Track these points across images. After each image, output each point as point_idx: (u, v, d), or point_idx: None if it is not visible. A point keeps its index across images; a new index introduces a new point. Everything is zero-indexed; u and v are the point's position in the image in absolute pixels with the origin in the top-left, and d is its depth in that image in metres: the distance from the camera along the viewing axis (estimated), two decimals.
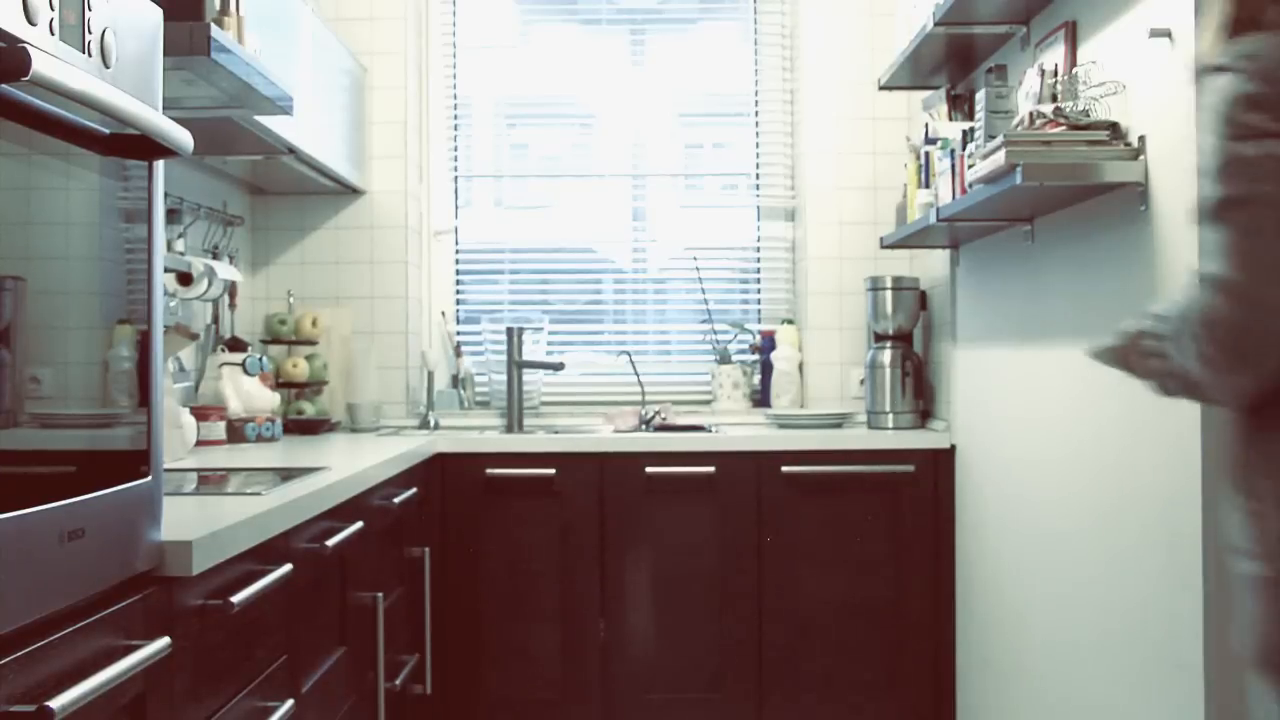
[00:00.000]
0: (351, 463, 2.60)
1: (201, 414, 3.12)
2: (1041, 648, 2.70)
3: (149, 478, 1.49)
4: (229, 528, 1.65)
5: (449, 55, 4.16)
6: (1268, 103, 1.30)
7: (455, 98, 4.17)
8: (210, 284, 3.14)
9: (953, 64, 3.18)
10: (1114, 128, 2.17)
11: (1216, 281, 1.30)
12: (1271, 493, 1.33)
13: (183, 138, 1.46)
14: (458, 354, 4.06)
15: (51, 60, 1.14)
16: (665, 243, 4.21)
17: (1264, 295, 1.26)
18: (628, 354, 3.99)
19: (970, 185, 2.52)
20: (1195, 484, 1.94)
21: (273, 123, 2.88)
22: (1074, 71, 2.33)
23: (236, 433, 3.26)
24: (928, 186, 3.18)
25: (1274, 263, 1.27)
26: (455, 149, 4.18)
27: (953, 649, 3.45)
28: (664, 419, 3.80)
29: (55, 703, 1.15)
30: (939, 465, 3.46)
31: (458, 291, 4.19)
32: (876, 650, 3.47)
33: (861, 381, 3.84)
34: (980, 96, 2.68)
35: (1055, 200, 2.44)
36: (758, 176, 4.18)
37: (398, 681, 2.81)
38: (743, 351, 4.08)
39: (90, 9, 1.32)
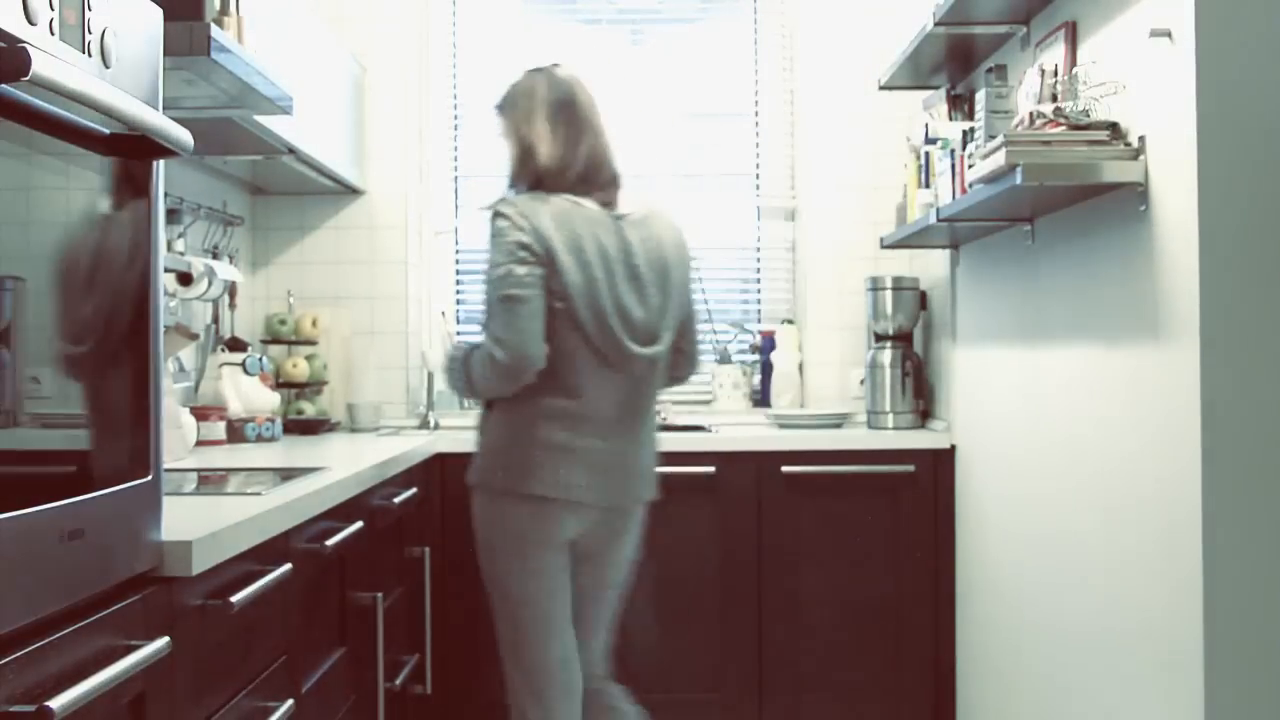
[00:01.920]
0: (351, 463, 2.60)
1: (201, 414, 3.12)
2: (1041, 647, 2.70)
3: (149, 478, 1.49)
4: (229, 528, 1.65)
5: (449, 55, 4.16)
6: (526, 245, 2.44)
7: (455, 98, 4.17)
8: (210, 284, 3.14)
9: (953, 64, 3.18)
10: (1114, 128, 2.17)
11: (497, 340, 2.43)
12: (485, 434, 2.58)
13: (183, 138, 1.46)
14: None
15: (51, 60, 1.14)
16: None
17: (521, 349, 2.42)
18: None
19: (970, 185, 2.52)
20: (1195, 483, 1.94)
21: (273, 123, 2.88)
22: (1074, 71, 2.33)
23: (236, 433, 3.26)
24: (928, 186, 3.18)
25: (526, 334, 2.42)
26: (455, 149, 4.17)
27: (953, 649, 3.45)
28: (664, 419, 3.80)
29: (55, 703, 1.15)
30: (939, 465, 3.46)
31: (458, 291, 4.19)
32: (876, 650, 3.47)
33: (861, 381, 3.84)
34: (980, 96, 2.68)
35: (1055, 200, 2.44)
36: (758, 176, 4.18)
37: (398, 681, 2.81)
38: (743, 351, 4.08)
39: (90, 9, 1.32)
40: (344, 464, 2.57)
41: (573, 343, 2.48)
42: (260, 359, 3.39)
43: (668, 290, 2.57)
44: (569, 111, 2.58)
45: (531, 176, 2.56)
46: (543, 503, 2.50)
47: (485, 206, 2.58)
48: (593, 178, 2.55)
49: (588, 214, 2.51)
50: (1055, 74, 2.47)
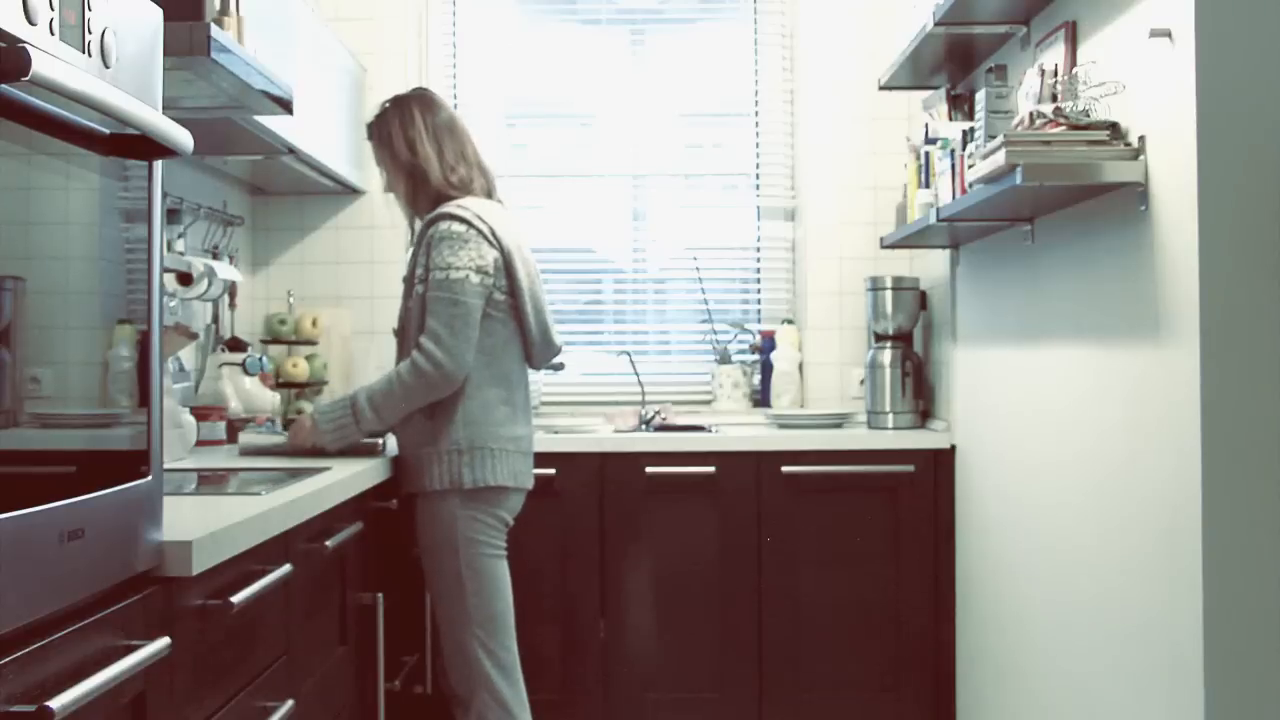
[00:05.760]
0: (351, 463, 2.60)
1: (201, 414, 3.12)
2: (1041, 647, 2.70)
3: (149, 478, 1.49)
4: (229, 528, 1.65)
5: (449, 55, 4.16)
6: (472, 249, 2.54)
7: (455, 98, 4.17)
8: (210, 284, 3.14)
9: (953, 64, 3.18)
10: (1114, 128, 2.17)
11: (440, 347, 2.55)
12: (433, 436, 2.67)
13: (183, 138, 1.46)
14: None
15: (51, 60, 1.14)
16: (665, 243, 4.21)
17: (460, 360, 2.56)
18: (628, 354, 3.98)
19: (970, 185, 2.52)
20: (1195, 483, 1.94)
21: (273, 123, 2.88)
22: (1074, 71, 2.33)
23: (236, 433, 3.26)
24: (928, 186, 3.18)
25: (464, 343, 2.56)
26: None
27: (953, 649, 3.45)
28: (664, 419, 3.80)
29: (55, 703, 1.15)
30: (939, 465, 3.46)
31: None
32: (876, 650, 3.47)
33: (861, 381, 3.84)
34: (980, 96, 2.68)
35: (1055, 200, 2.44)
36: (758, 176, 4.18)
37: (398, 682, 2.81)
38: (743, 351, 4.08)
39: (90, 9, 1.32)
40: (344, 464, 2.57)
41: (509, 334, 2.67)
42: (260, 359, 3.39)
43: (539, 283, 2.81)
44: (451, 128, 2.72)
45: (433, 198, 2.67)
46: (515, 493, 2.73)
47: (430, 217, 2.65)
48: (491, 182, 2.72)
49: (506, 213, 2.66)
50: (1055, 74, 2.47)
